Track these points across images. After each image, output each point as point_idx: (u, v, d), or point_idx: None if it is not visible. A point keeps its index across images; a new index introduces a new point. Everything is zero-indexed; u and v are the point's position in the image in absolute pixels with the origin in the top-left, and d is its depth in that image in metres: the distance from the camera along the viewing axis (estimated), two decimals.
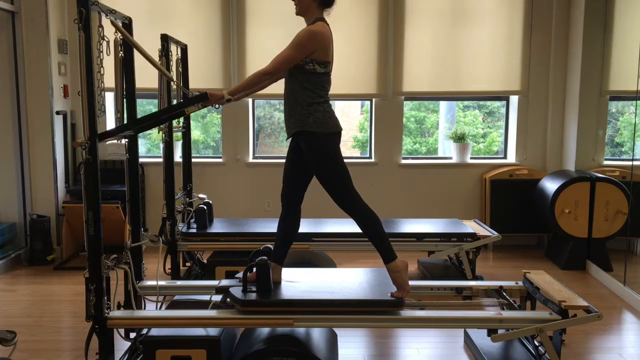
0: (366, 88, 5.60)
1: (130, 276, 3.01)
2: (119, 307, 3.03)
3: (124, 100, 3.07)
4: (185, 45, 4.50)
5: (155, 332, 2.83)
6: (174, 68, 4.32)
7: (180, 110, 2.89)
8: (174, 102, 4.22)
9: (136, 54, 2.89)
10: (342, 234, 4.28)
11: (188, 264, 4.51)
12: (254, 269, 2.91)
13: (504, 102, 5.93)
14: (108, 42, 2.81)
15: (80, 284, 3.77)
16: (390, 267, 2.85)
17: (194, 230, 4.32)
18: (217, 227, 4.44)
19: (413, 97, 5.82)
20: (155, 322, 2.86)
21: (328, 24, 2.88)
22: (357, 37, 5.53)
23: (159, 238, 3.41)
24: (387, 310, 2.82)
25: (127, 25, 3.05)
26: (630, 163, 4.65)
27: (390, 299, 2.81)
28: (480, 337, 3.26)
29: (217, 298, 2.92)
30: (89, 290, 2.68)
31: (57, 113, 5.21)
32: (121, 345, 3.08)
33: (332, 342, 3.09)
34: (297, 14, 2.92)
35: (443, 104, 6.28)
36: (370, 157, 5.79)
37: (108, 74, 2.83)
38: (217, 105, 2.84)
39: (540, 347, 2.98)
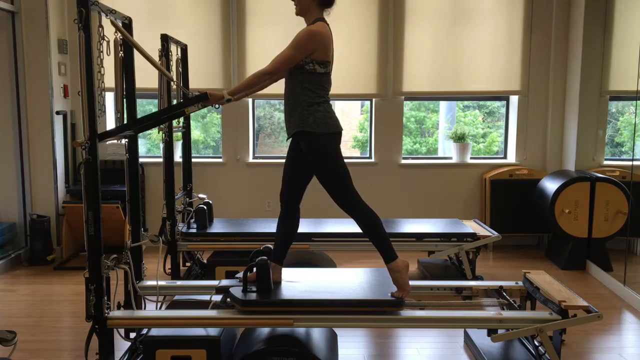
0: (366, 88, 5.60)
1: (130, 276, 3.01)
2: (119, 307, 3.03)
3: (124, 100, 3.07)
4: (185, 45, 4.50)
5: (155, 332, 2.83)
6: (174, 68, 4.32)
7: (180, 110, 2.89)
8: (174, 102, 4.22)
9: (136, 54, 2.89)
10: (342, 234, 4.28)
11: (188, 264, 4.50)
12: (254, 269, 2.91)
13: (504, 102, 5.93)
14: (108, 42, 2.81)
15: (80, 284, 3.77)
16: (391, 267, 2.85)
17: (194, 230, 4.32)
18: (217, 227, 4.44)
19: (413, 97, 5.82)
20: (155, 322, 2.86)
21: (328, 24, 2.88)
22: (357, 37, 5.53)
23: (159, 238, 3.41)
24: (387, 310, 2.82)
25: (127, 25, 3.05)
26: (630, 163, 4.65)
27: (390, 299, 2.81)
28: (480, 337, 3.26)
29: (217, 298, 2.92)
30: (89, 290, 2.68)
31: (57, 113, 5.21)
32: (121, 345, 3.08)
33: (332, 342, 3.09)
34: (297, 14, 2.92)
35: (443, 104, 6.28)
36: (370, 157, 5.79)
37: (108, 74, 2.83)
38: (217, 105, 2.84)
39: (540, 347, 2.98)
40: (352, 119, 6.29)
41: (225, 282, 3.04)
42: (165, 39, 4.03)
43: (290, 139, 2.94)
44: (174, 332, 2.82)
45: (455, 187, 5.75)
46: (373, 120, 5.73)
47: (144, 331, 2.89)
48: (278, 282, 3.01)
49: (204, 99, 2.75)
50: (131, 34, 3.05)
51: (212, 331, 2.81)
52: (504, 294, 3.23)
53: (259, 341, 2.85)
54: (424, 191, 5.74)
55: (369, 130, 5.84)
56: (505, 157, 5.93)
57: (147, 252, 3.63)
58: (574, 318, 2.78)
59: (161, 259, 4.22)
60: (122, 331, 2.97)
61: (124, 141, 3.10)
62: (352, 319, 2.82)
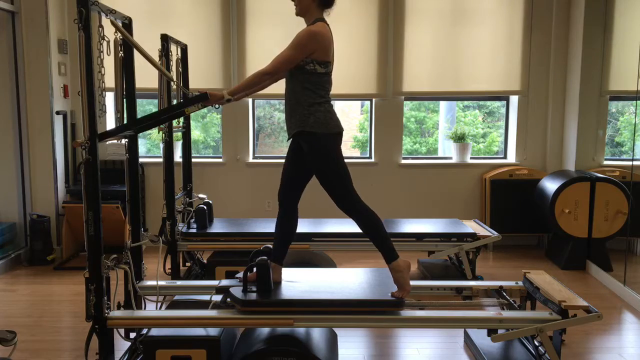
0: (366, 88, 5.60)
1: (130, 276, 3.01)
2: (119, 307, 3.03)
3: (124, 100, 3.07)
4: (185, 45, 4.50)
5: (155, 332, 2.83)
6: (174, 68, 4.32)
7: (180, 110, 2.89)
8: (174, 102, 4.22)
9: (136, 54, 2.89)
10: (342, 234, 4.28)
11: (188, 264, 4.50)
12: (254, 269, 2.91)
13: (504, 102, 5.93)
14: (108, 42, 2.81)
15: (80, 284, 3.77)
16: (392, 267, 2.85)
17: (194, 230, 4.32)
18: (217, 227, 4.44)
19: (413, 97, 5.82)
20: (155, 322, 2.86)
21: (328, 24, 2.88)
22: (357, 37, 5.53)
23: (159, 238, 3.41)
24: (387, 310, 2.82)
25: (127, 25, 3.05)
26: (630, 163, 4.65)
27: (390, 299, 2.81)
28: (480, 337, 3.26)
29: (218, 298, 2.92)
30: (89, 290, 2.68)
31: (57, 113, 5.21)
32: (121, 345, 3.08)
33: (332, 342, 3.09)
34: (297, 14, 2.92)
35: (443, 104, 6.28)
36: (370, 157, 5.79)
37: (108, 74, 2.83)
38: (217, 105, 2.84)
39: (540, 347, 2.98)
40: (352, 119, 6.29)
41: (225, 282, 3.04)
42: (165, 39, 4.03)
43: (291, 139, 2.94)
44: (174, 332, 2.82)
45: (455, 187, 5.74)
46: (373, 120, 5.73)
47: (144, 331, 2.89)
48: (278, 282, 3.01)
49: (204, 99, 2.75)
50: (131, 34, 3.05)
51: (212, 331, 2.81)
52: (504, 294, 3.23)
53: (259, 341, 2.85)
54: (424, 191, 5.74)
55: (369, 130, 5.84)
56: (505, 157, 5.93)
57: (147, 252, 3.63)
58: (574, 318, 2.78)
59: (161, 259, 4.22)
60: (122, 331, 2.97)
61: (124, 141, 3.10)
62: (352, 319, 2.82)
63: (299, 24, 2.92)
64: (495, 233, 4.38)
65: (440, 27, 5.56)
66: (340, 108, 6.17)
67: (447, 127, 6.17)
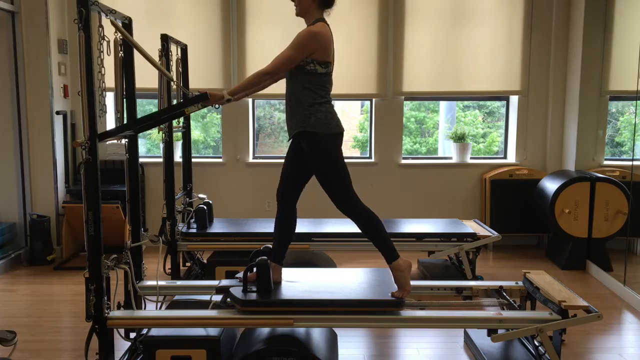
0: (366, 88, 5.60)
1: (130, 276, 3.01)
2: (119, 307, 3.03)
3: (124, 100, 3.07)
4: (185, 45, 4.50)
5: (155, 332, 2.83)
6: (174, 68, 4.32)
7: (180, 110, 2.89)
8: (174, 102, 4.22)
9: (136, 54, 2.89)
10: (342, 234, 4.28)
11: (188, 264, 4.50)
12: (254, 269, 2.91)
13: (504, 102, 5.93)
14: (108, 42, 2.81)
15: (80, 284, 3.77)
16: (393, 266, 2.85)
17: (194, 230, 4.32)
18: (217, 227, 4.44)
19: (413, 97, 5.82)
20: (155, 322, 2.86)
21: (328, 25, 2.88)
22: (357, 37, 5.53)
23: (159, 238, 3.41)
24: (387, 310, 2.82)
25: (127, 25, 3.05)
26: (630, 163, 4.65)
27: (390, 299, 2.81)
28: (480, 337, 3.26)
29: (218, 298, 2.92)
30: (89, 290, 2.68)
31: (57, 113, 5.21)
32: (121, 345, 3.08)
33: (332, 342, 3.09)
34: (297, 14, 2.92)
35: (443, 104, 6.28)
36: (370, 157, 5.79)
37: (108, 74, 2.83)
38: (217, 105, 2.84)
39: (540, 347, 2.98)
40: (352, 119, 6.29)
41: (225, 282, 3.04)
42: (165, 39, 4.03)
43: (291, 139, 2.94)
44: (174, 332, 2.82)
45: (455, 187, 5.74)
46: (373, 120, 5.73)
47: (144, 331, 2.89)
48: (278, 282, 3.01)
49: (204, 99, 2.75)
50: (131, 34, 3.05)
51: (212, 331, 2.81)
52: (504, 294, 3.23)
53: (259, 341, 2.85)
54: (424, 191, 5.74)
55: (369, 130, 5.84)
56: (505, 157, 5.93)
57: (147, 252, 3.63)
58: (574, 318, 2.78)
59: (161, 259, 4.22)
60: (122, 331, 2.97)
61: (124, 141, 3.10)
62: (352, 319, 2.82)
63: (299, 24, 2.91)
64: (495, 233, 4.38)
65: (440, 27, 5.56)
66: (340, 108, 6.17)
67: (447, 127, 6.17)
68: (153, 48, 3.65)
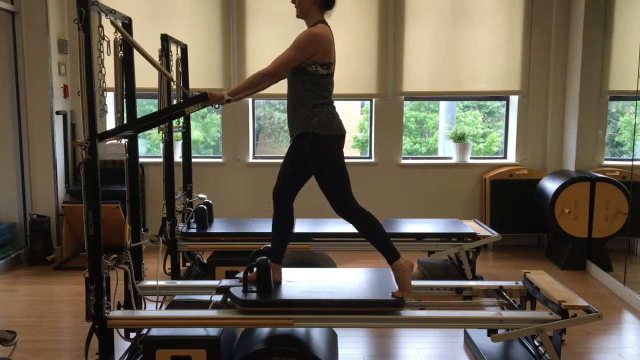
0: (366, 88, 5.60)
1: (130, 276, 3.01)
2: (119, 307, 3.03)
3: (124, 100, 3.07)
4: (185, 45, 4.50)
5: (155, 332, 2.83)
6: (174, 68, 4.32)
7: (180, 110, 2.89)
8: (174, 102, 4.22)
9: (136, 54, 2.89)
10: (342, 234, 4.28)
11: (188, 264, 4.50)
12: (255, 269, 2.91)
13: (504, 102, 5.93)
14: (108, 42, 2.81)
15: (80, 284, 3.77)
16: (395, 266, 2.85)
17: (194, 230, 4.32)
18: (217, 227, 4.44)
19: (413, 97, 5.82)
20: (155, 322, 2.86)
21: (329, 26, 2.88)
22: (357, 37, 5.53)
23: (159, 238, 3.41)
24: (387, 310, 2.82)
25: (127, 25, 3.05)
26: (630, 163, 4.65)
27: (390, 299, 2.81)
28: (480, 337, 3.26)
29: (218, 298, 2.92)
30: (89, 290, 2.68)
31: (57, 113, 5.21)
32: (121, 345, 3.08)
33: (332, 342, 3.09)
34: (298, 16, 2.92)
35: (443, 104, 6.28)
36: (370, 157, 5.79)
37: (108, 74, 2.83)
38: (217, 105, 2.84)
39: (540, 347, 2.98)
40: (352, 119, 6.29)
41: (225, 282, 3.04)
42: (165, 39, 4.03)
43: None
44: (174, 332, 2.82)
45: (455, 187, 5.74)
46: (373, 120, 5.73)
47: (144, 331, 2.89)
48: (278, 282, 3.01)
49: (204, 99, 2.75)
50: (131, 34, 3.05)
51: (212, 331, 2.81)
52: (504, 294, 3.23)
53: (259, 341, 2.85)
54: (424, 191, 5.74)
55: (369, 130, 5.84)
56: (505, 157, 5.93)
57: (147, 252, 3.63)
58: (574, 318, 2.78)
59: (161, 259, 4.22)
60: (122, 331, 2.97)
61: (124, 141, 3.10)
62: (352, 319, 2.82)
63: (299, 24, 2.92)
64: (495, 233, 4.38)
65: (440, 27, 5.56)
66: (341, 108, 6.15)
67: (447, 127, 6.17)
68: (153, 48, 3.65)
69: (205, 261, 4.47)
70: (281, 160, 3.06)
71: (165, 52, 4.02)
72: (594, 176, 4.94)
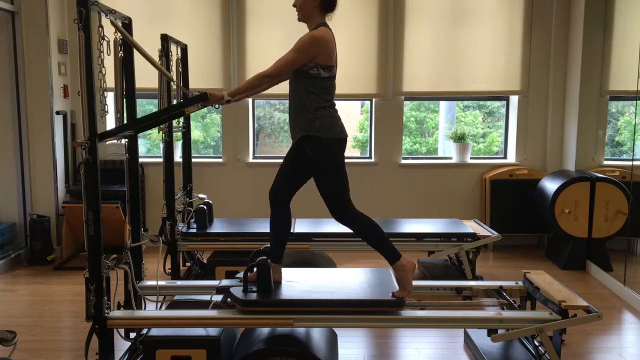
0: (366, 88, 5.60)
1: (130, 276, 3.01)
2: (119, 307, 3.03)
3: (124, 100, 3.07)
4: (185, 45, 4.50)
5: (155, 332, 2.83)
6: (174, 68, 4.32)
7: (180, 110, 2.89)
8: (174, 102, 4.22)
9: (136, 54, 2.89)
10: (342, 234, 4.28)
11: (188, 264, 4.50)
12: (255, 269, 2.91)
13: (504, 102, 5.93)
14: (108, 42, 2.81)
15: (80, 284, 3.77)
16: (396, 266, 2.85)
17: (194, 230, 4.32)
18: (217, 227, 4.44)
19: (413, 97, 5.82)
20: (155, 322, 2.86)
21: (330, 29, 2.88)
22: (357, 37, 5.53)
23: (159, 238, 3.41)
24: (387, 310, 2.82)
25: (127, 25, 3.05)
26: (630, 163, 4.65)
27: (390, 299, 2.81)
28: (480, 337, 3.26)
29: (218, 298, 2.92)
30: (89, 290, 2.68)
31: (57, 113, 5.21)
32: (121, 345, 3.08)
33: (332, 342, 3.09)
34: (300, 20, 2.92)
35: (443, 104, 6.28)
36: (370, 157, 5.79)
37: (108, 74, 2.83)
38: (217, 105, 2.84)
39: (540, 347, 2.98)
40: (352, 119, 6.29)
41: (225, 282, 3.04)
42: (165, 39, 4.03)
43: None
44: (174, 332, 2.82)
45: (455, 187, 5.74)
46: (373, 120, 5.73)
47: (144, 331, 2.89)
48: (278, 282, 3.01)
49: (204, 99, 2.75)
50: (131, 34, 3.05)
51: (212, 331, 2.81)
52: (504, 294, 3.23)
53: (259, 341, 2.85)
54: (424, 191, 5.74)
55: (369, 130, 5.84)
56: (505, 157, 5.93)
57: (147, 252, 3.63)
58: (574, 318, 2.78)
59: (161, 259, 4.22)
60: (122, 331, 2.97)
61: (124, 141, 3.10)
62: (352, 319, 2.82)
63: (299, 25, 2.92)
64: (495, 233, 4.38)
65: (440, 27, 5.56)
66: (341, 108, 6.12)
67: (447, 127, 6.17)
68: (153, 48, 3.65)
69: (205, 261, 4.47)
70: (281, 160, 3.06)
71: (165, 52, 4.02)
72: (594, 176, 4.94)
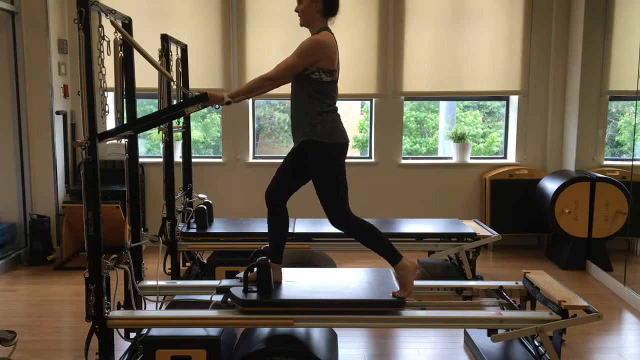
0: (366, 88, 5.60)
1: (130, 276, 3.01)
2: (119, 307, 3.03)
3: (124, 100, 3.07)
4: (185, 45, 4.50)
5: (155, 332, 2.83)
6: (174, 68, 4.32)
7: (180, 110, 2.89)
8: (174, 102, 4.22)
9: (136, 54, 2.89)
10: (342, 234, 4.26)
11: (188, 264, 4.50)
12: (255, 269, 2.91)
13: (504, 102, 5.93)
14: (108, 42, 2.81)
15: (80, 284, 3.77)
16: (398, 266, 2.85)
17: (194, 230, 4.32)
18: (217, 227, 4.44)
19: (413, 97, 5.82)
20: (155, 322, 2.86)
21: (333, 33, 2.88)
22: (357, 37, 5.53)
23: (159, 238, 3.41)
24: (387, 310, 2.82)
25: (127, 25, 3.05)
26: (630, 163, 4.65)
27: (390, 299, 2.81)
28: (480, 337, 3.26)
29: (218, 298, 2.92)
30: (89, 290, 2.68)
31: (57, 113, 5.21)
32: (121, 345, 3.08)
33: (332, 342, 3.09)
34: (302, 25, 2.91)
35: (443, 104, 6.28)
36: (370, 157, 5.79)
37: (108, 74, 2.83)
38: (217, 106, 2.84)
39: (540, 347, 2.99)
40: (352, 119, 6.29)
41: (225, 282, 3.04)
42: (165, 39, 4.03)
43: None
44: (174, 332, 2.82)
45: (455, 187, 5.74)
46: (373, 120, 5.73)
47: (144, 331, 2.89)
48: (278, 282, 3.01)
49: (204, 99, 2.76)
50: (131, 34, 3.05)
51: (212, 331, 2.82)
52: (504, 294, 3.23)
53: (259, 341, 2.85)
54: (424, 191, 5.74)
55: (369, 130, 5.84)
56: (505, 157, 5.93)
57: (147, 252, 3.63)
58: (574, 318, 2.78)
59: (161, 259, 4.22)
60: (122, 331, 2.97)
61: (124, 141, 3.11)
62: (352, 319, 2.82)
63: (299, 25, 2.91)
64: (495, 233, 4.38)
65: (440, 27, 5.56)
66: (341, 108, 6.12)
67: (447, 127, 6.17)
68: (153, 48, 3.65)
69: (205, 261, 4.47)
70: (281, 161, 3.06)
71: (165, 52, 4.02)
72: (594, 176, 4.94)
